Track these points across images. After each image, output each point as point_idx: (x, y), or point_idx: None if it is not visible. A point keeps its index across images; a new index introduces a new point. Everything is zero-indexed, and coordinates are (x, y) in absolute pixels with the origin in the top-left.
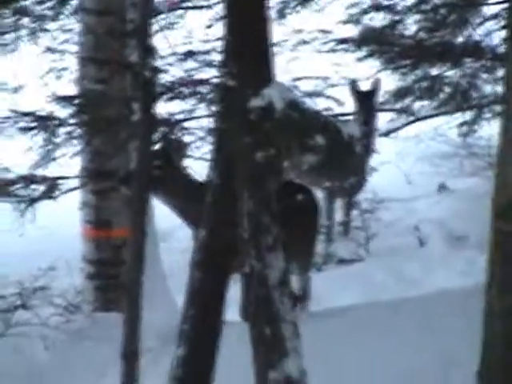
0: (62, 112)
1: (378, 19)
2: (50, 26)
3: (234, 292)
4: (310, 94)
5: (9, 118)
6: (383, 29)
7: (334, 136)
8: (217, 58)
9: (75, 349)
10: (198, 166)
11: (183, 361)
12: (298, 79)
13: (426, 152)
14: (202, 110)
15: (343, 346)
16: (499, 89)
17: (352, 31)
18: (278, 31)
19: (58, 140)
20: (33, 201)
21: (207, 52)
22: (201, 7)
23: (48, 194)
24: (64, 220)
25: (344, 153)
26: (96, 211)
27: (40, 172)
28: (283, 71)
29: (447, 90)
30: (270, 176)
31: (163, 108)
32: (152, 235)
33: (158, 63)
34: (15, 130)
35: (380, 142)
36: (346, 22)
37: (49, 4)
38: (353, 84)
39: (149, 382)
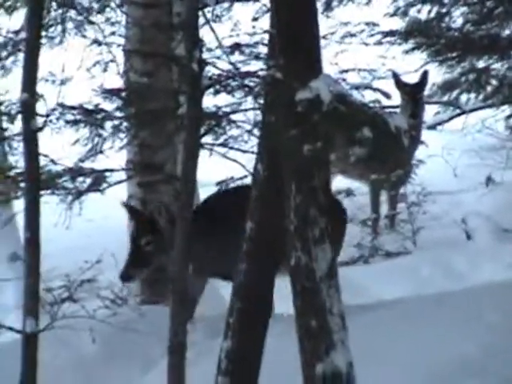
0: (109, 105)
1: (425, 12)
2: (97, 18)
3: (280, 284)
4: (357, 87)
5: (56, 110)
6: (430, 21)
7: (381, 128)
8: (264, 50)
9: (122, 341)
10: (245, 159)
11: (230, 354)
12: (345, 72)
13: (472, 145)
14: (249, 102)
15: (390, 338)
16: None
17: (399, 24)
18: (325, 24)
19: (104, 133)
20: (80, 193)
21: (254, 44)
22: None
23: (95, 187)
24: (111, 213)
25: (391, 145)
26: (142, 204)
27: (87, 165)
28: (330, 64)
29: (494, 82)
30: (317, 169)
31: (210, 101)
32: None
33: (205, 56)
34: (62, 122)
35: (427, 135)
36: (392, 15)
37: None
38: (399, 77)
39: (195, 375)
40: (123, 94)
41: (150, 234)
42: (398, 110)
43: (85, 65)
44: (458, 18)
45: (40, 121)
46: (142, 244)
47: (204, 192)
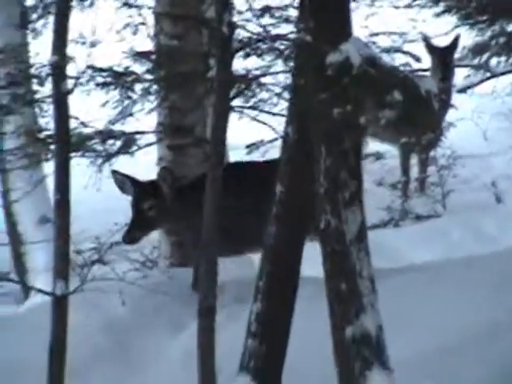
0: (139, 67)
1: None
2: None
3: (309, 247)
4: (388, 50)
5: (86, 73)
6: None
7: (411, 92)
8: (294, 13)
9: (151, 304)
10: (274, 121)
11: (259, 316)
12: (376, 35)
13: (502, 108)
14: (279, 66)
15: (419, 301)
16: None
17: None
18: None
19: (134, 95)
20: (109, 156)
21: (284, 7)
22: None
23: (125, 149)
24: (141, 175)
25: (421, 109)
26: (173, 166)
27: (117, 127)
28: (360, 27)
29: None
30: (347, 132)
31: (240, 64)
32: None
33: (235, 19)
34: (92, 85)
35: (457, 98)
36: None
37: None
38: (429, 40)
39: (225, 337)
40: (153, 57)
41: (152, 198)
42: (428, 74)
43: (115, 27)
44: None
45: (70, 83)
46: (145, 208)
47: (234, 155)
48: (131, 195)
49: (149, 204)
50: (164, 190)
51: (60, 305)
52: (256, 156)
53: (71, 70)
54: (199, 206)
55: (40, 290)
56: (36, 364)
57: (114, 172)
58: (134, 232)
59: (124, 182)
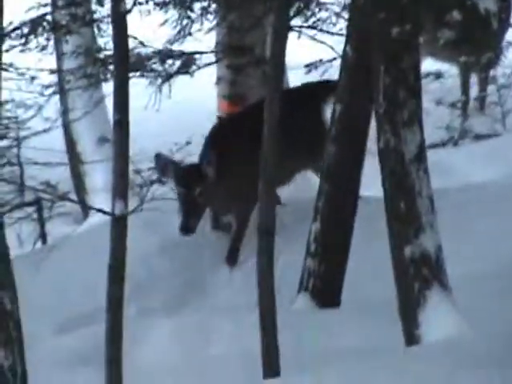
0: None
1: None
2: None
3: (369, 167)
4: None
5: None
6: None
7: (470, 11)
8: None
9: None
10: (333, 41)
11: (318, 237)
12: None
13: None
14: None
15: (478, 219)
16: None
17: None
18: None
19: (193, 15)
20: (169, 76)
21: None
22: None
23: (184, 69)
24: (200, 95)
25: (480, 28)
26: (232, 86)
27: (176, 47)
28: None
29: None
30: (405, 51)
31: None
32: None
33: None
34: (151, 4)
35: None
36: None
37: None
38: None
39: (285, 257)
40: None
41: (200, 183)
42: None
43: None
44: None
45: (129, 2)
46: (195, 195)
47: (293, 75)
48: (173, 179)
49: (198, 191)
50: (209, 173)
51: (119, 224)
52: (314, 76)
53: None
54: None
55: (99, 210)
56: (95, 283)
57: (158, 155)
58: (191, 221)
59: (167, 166)
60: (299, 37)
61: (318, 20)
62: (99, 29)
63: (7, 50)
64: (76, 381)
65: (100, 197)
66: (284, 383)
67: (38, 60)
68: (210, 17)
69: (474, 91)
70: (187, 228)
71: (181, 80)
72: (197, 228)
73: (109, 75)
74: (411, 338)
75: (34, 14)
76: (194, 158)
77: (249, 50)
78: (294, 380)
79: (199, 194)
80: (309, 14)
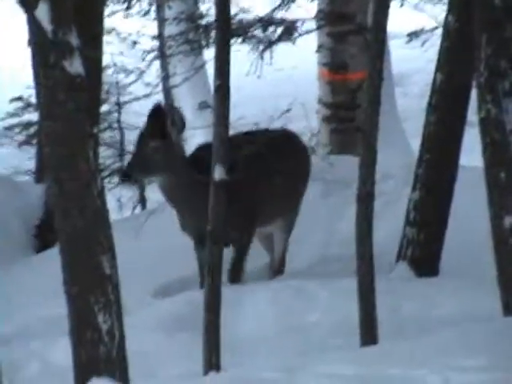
0: None
1: None
2: None
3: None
4: None
5: None
6: None
7: None
8: None
9: (312, 191)
10: (435, 10)
11: (418, 205)
12: None
13: None
14: None
15: None
16: None
17: None
18: None
19: None
20: (270, 43)
21: None
22: None
23: (286, 37)
24: (301, 62)
25: None
26: (333, 54)
27: (278, 14)
28: None
29: None
30: (508, 20)
31: None
32: (388, 79)
33: None
34: None
35: None
36: None
37: None
38: None
39: (383, 224)
40: None
41: (160, 139)
42: None
43: None
44: None
45: None
46: (152, 146)
47: (394, 44)
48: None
49: (154, 144)
50: (173, 135)
51: (218, 190)
52: (415, 44)
53: None
54: None
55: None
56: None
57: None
58: (134, 170)
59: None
60: (402, 5)
61: None
62: None
63: (109, 15)
64: (173, 346)
65: None
66: (382, 351)
67: (140, 25)
68: None
69: None
70: (126, 173)
71: (282, 47)
72: (136, 181)
73: (210, 41)
74: (508, 307)
75: None
76: (293, 126)
77: (350, 18)
78: (392, 348)
79: (155, 148)
80: None
